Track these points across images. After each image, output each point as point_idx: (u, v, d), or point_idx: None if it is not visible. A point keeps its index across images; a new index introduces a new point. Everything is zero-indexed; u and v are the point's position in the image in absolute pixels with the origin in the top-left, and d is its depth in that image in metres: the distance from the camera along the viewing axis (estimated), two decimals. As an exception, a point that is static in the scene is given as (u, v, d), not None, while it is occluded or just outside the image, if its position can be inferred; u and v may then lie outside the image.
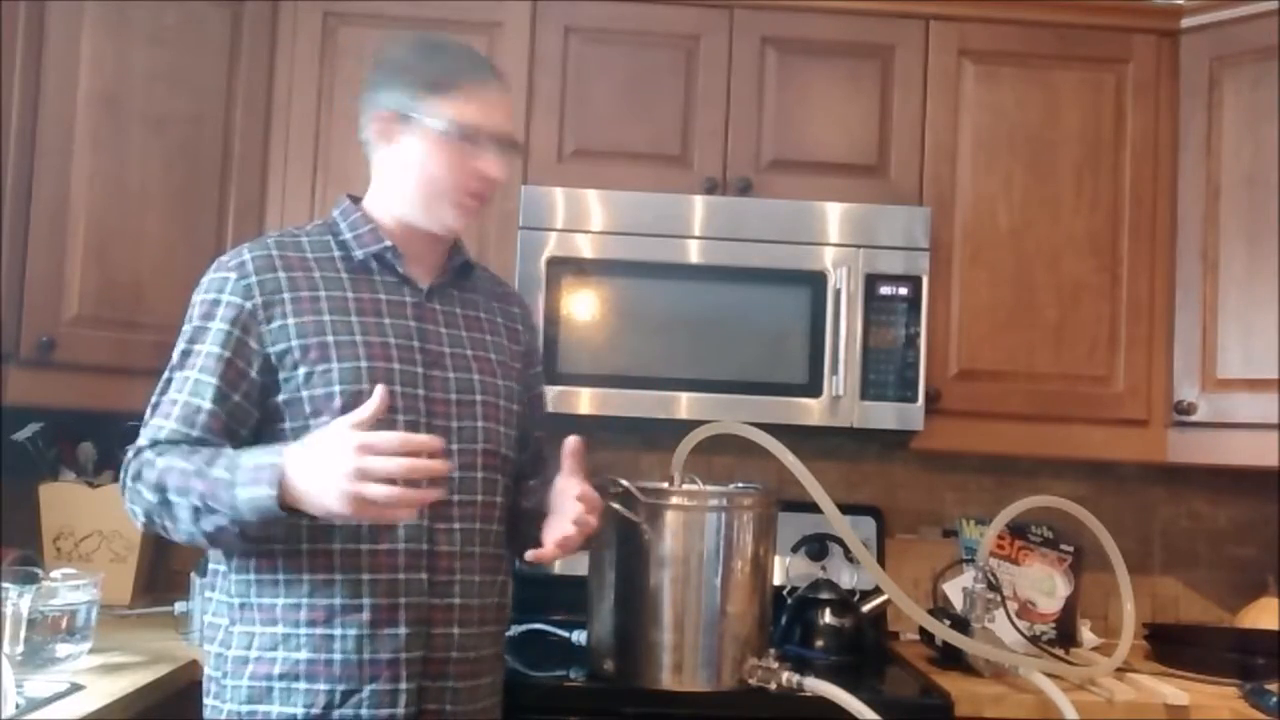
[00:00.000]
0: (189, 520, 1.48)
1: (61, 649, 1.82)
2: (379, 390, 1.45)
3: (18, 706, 1.53)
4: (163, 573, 2.55)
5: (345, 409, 1.50)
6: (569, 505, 1.61)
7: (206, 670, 1.63)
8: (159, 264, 2.29)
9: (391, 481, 1.39)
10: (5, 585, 1.70)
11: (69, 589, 1.85)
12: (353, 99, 1.74)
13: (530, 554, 1.60)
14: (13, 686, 1.52)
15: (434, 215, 1.66)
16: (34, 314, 2.17)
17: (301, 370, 1.58)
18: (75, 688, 1.68)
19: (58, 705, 1.59)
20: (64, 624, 1.83)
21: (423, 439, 1.47)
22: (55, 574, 1.89)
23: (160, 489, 1.49)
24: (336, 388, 1.57)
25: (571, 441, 1.68)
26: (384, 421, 1.51)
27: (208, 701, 1.63)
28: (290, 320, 1.59)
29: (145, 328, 2.22)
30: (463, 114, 1.63)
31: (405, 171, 1.67)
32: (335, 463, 1.40)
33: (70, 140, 2.22)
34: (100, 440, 2.45)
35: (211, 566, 1.66)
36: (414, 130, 1.64)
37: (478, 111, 1.63)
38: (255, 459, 1.46)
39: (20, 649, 1.73)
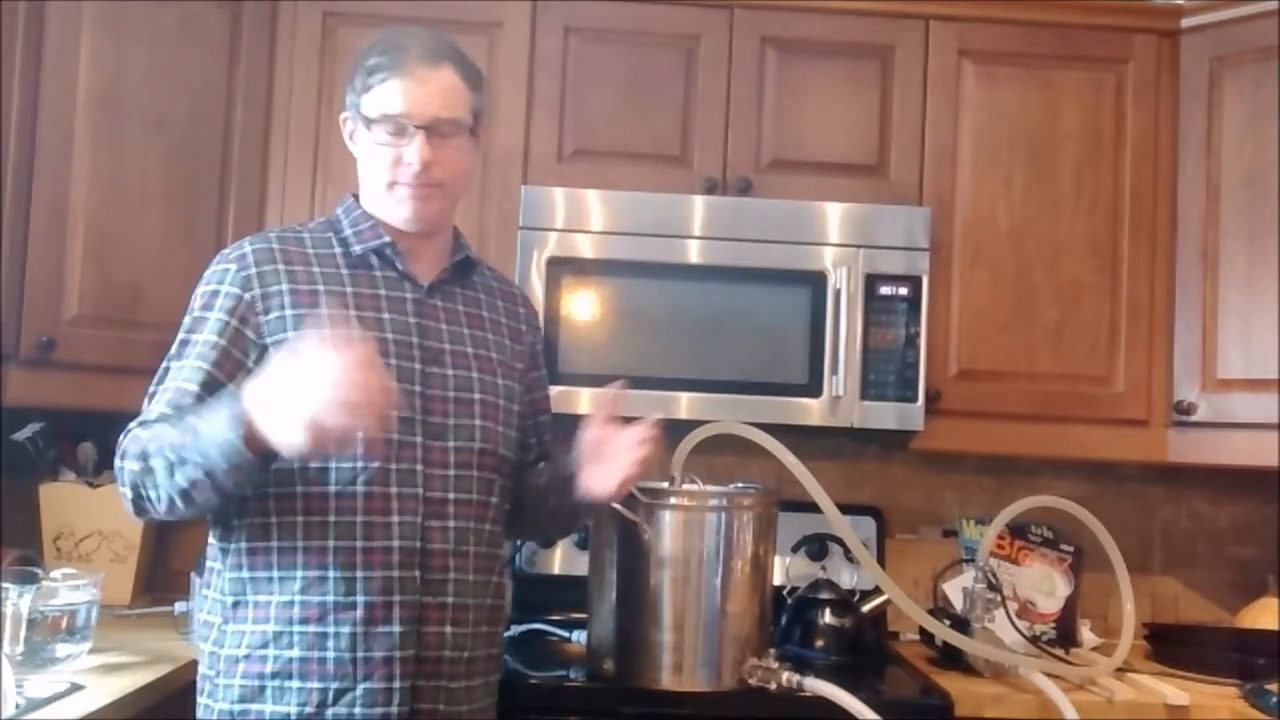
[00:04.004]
0: (165, 476, 1.46)
1: (61, 649, 1.82)
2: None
3: (18, 706, 1.53)
4: (163, 573, 2.55)
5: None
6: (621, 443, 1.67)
7: (200, 669, 1.64)
8: (159, 264, 2.29)
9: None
10: (5, 585, 1.70)
11: (69, 589, 1.85)
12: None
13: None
14: (13, 686, 1.52)
15: (388, 209, 1.67)
16: (34, 314, 2.17)
17: None
18: (75, 688, 1.68)
19: (58, 705, 1.59)
20: (64, 624, 1.82)
21: (357, 354, 1.36)
22: (55, 574, 1.88)
23: (143, 456, 1.49)
24: None
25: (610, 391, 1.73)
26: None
27: (201, 700, 1.63)
28: (288, 313, 1.60)
29: (145, 327, 2.21)
30: (386, 104, 1.62)
31: (361, 169, 1.70)
32: (289, 394, 1.34)
33: (70, 140, 2.22)
34: (100, 440, 2.44)
35: (208, 565, 1.66)
36: (358, 127, 1.67)
37: (400, 100, 1.62)
38: (221, 402, 1.44)
39: (20, 649, 1.72)
